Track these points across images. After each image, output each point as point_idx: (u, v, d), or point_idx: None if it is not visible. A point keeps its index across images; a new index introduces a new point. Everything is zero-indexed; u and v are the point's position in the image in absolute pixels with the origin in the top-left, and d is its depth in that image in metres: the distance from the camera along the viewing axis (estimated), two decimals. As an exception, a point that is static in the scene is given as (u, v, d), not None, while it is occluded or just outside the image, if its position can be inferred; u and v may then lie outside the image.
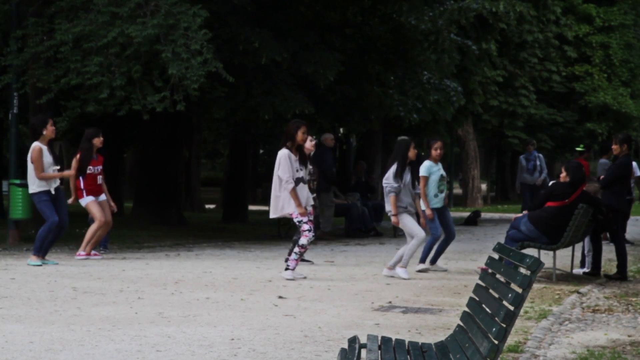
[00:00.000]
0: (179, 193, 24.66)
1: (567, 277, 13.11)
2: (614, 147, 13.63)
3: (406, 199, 12.68)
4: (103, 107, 16.98)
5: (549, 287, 11.97)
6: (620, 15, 42.24)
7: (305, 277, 12.35)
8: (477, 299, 5.32)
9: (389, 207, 12.66)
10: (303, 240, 12.19)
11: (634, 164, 16.69)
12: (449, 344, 5.32)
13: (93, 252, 15.07)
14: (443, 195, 13.75)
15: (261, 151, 46.35)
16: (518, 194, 27.22)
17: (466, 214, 29.83)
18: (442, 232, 13.61)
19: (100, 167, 14.99)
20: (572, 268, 13.64)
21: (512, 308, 4.46)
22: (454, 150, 43.71)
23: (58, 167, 13.95)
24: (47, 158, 13.77)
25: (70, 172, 14.55)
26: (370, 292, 11.02)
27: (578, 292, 11.27)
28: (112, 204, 15.37)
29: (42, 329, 7.94)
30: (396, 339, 5.42)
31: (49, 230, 13.76)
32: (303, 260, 14.37)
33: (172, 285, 11.30)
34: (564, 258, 14.64)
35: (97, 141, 14.98)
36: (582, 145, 19.87)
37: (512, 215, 14.49)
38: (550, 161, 55.06)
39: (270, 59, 18.67)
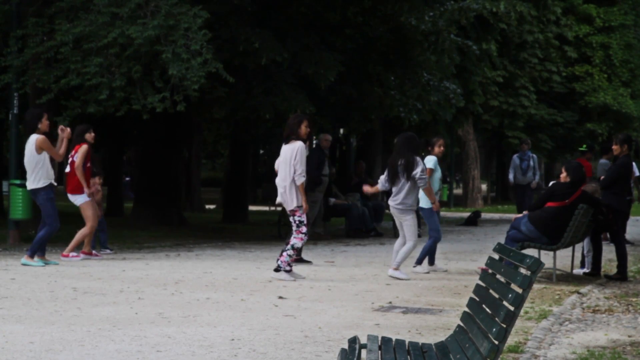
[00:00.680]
0: (179, 193, 24.66)
1: (567, 278, 13.11)
2: (614, 147, 13.63)
3: (416, 197, 12.69)
4: (103, 108, 16.98)
5: (549, 287, 11.97)
6: (620, 15, 42.23)
7: (304, 278, 12.35)
8: (478, 299, 5.32)
9: (402, 199, 12.52)
10: (298, 243, 12.16)
11: (634, 164, 16.68)
12: (449, 344, 5.32)
13: (94, 251, 15.07)
14: (439, 192, 13.77)
15: (261, 151, 46.37)
16: (511, 187, 26.96)
17: (466, 214, 29.83)
18: (441, 234, 13.61)
19: (88, 165, 14.89)
20: (572, 268, 13.64)
21: (512, 308, 4.46)
22: (454, 151, 43.69)
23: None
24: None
25: (88, 192, 14.47)
26: (371, 293, 11.02)
27: (578, 293, 11.27)
28: (96, 180, 15.32)
29: (42, 329, 7.94)
30: (396, 339, 5.42)
31: (49, 237, 13.72)
32: (302, 260, 14.37)
33: (173, 286, 11.30)
34: (564, 258, 14.64)
35: (89, 137, 14.80)
36: (584, 146, 19.83)
37: (512, 216, 14.50)
38: (551, 161, 55.08)
39: (271, 59, 18.67)
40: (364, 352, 5.02)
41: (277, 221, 21.44)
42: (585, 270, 13.67)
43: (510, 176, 23.54)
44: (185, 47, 16.26)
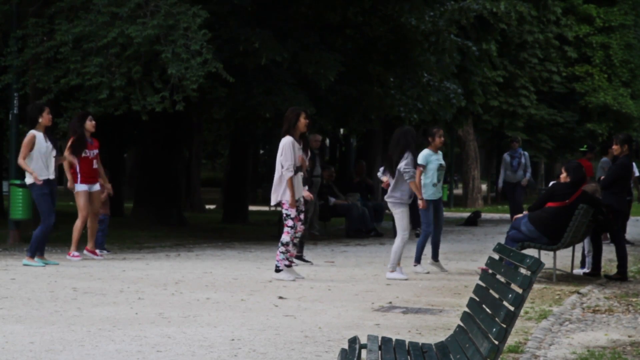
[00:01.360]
0: (179, 193, 24.66)
1: (567, 278, 13.11)
2: (614, 147, 13.63)
3: (409, 190, 12.71)
4: (103, 108, 16.97)
5: (549, 287, 11.97)
6: (620, 15, 42.24)
7: (303, 278, 12.34)
8: (478, 299, 5.32)
9: (391, 192, 12.58)
10: (285, 238, 12.14)
11: (634, 164, 16.67)
12: (449, 345, 5.32)
13: (98, 251, 15.05)
14: (440, 184, 13.67)
15: (261, 151, 46.35)
16: (500, 193, 26.24)
17: (466, 214, 29.83)
18: (432, 228, 13.50)
19: (96, 152, 14.71)
20: (572, 268, 13.64)
21: (512, 308, 4.46)
22: (454, 151, 43.70)
23: (55, 155, 13.77)
24: (42, 146, 13.54)
25: (63, 159, 14.27)
26: (371, 293, 11.02)
27: (578, 293, 11.27)
28: (108, 185, 15.22)
29: (42, 330, 7.93)
30: (396, 340, 5.42)
31: (44, 234, 13.65)
32: (302, 260, 14.37)
33: (173, 286, 11.30)
34: (564, 258, 14.64)
35: (90, 125, 14.65)
36: (585, 146, 19.77)
37: (519, 210, 14.49)
38: (551, 161, 55.08)
39: (271, 59, 18.68)
40: (364, 352, 5.02)
41: (277, 221, 21.43)
42: (586, 270, 13.67)
43: (500, 180, 22.86)
44: (184, 47, 16.26)
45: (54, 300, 9.81)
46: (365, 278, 12.71)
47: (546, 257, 13.21)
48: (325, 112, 22.18)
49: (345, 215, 21.73)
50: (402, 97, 23.55)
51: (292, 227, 12.12)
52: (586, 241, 13.65)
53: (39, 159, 13.54)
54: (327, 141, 38.20)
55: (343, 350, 5.18)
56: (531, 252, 12.97)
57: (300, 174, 12.33)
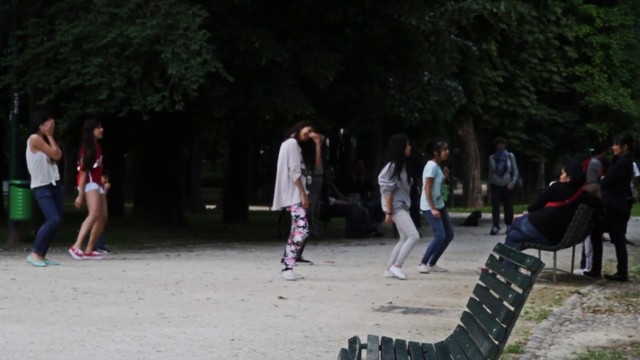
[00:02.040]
0: (179, 193, 24.67)
1: (567, 278, 13.11)
2: (614, 147, 13.63)
3: (403, 195, 12.72)
4: (103, 109, 16.98)
5: (549, 287, 11.97)
6: (620, 15, 42.25)
7: (303, 278, 12.34)
8: (478, 299, 5.32)
9: (384, 204, 12.71)
10: (297, 238, 12.17)
11: (634, 164, 16.67)
12: (449, 345, 5.32)
13: (95, 252, 15.06)
14: (442, 196, 13.78)
15: (261, 152, 46.37)
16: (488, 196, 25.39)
17: (466, 215, 29.82)
18: (444, 234, 13.60)
19: (101, 158, 14.85)
20: (572, 268, 13.64)
21: (512, 308, 4.46)
22: (454, 151, 43.70)
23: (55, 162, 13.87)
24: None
25: (79, 202, 14.58)
26: (371, 293, 11.02)
27: (578, 293, 11.27)
28: (106, 181, 15.40)
29: (42, 330, 7.93)
30: (397, 340, 5.42)
31: (50, 230, 13.73)
32: (302, 260, 14.38)
33: (173, 286, 11.30)
34: (565, 258, 14.64)
35: (97, 132, 14.73)
36: (595, 147, 19.57)
37: (513, 216, 14.50)
38: (551, 161, 55.07)
39: (271, 59, 18.67)
40: (364, 352, 5.02)
41: (277, 221, 21.45)
42: (586, 270, 13.67)
43: (489, 185, 22.11)
44: (184, 46, 16.26)
45: (54, 300, 9.81)
46: (366, 278, 12.71)
47: (546, 257, 13.21)
48: (325, 112, 22.19)
49: (345, 215, 21.73)
50: (402, 97, 23.56)
51: (304, 227, 12.16)
52: (586, 241, 13.65)
53: (44, 163, 13.65)
54: (327, 141, 38.18)
55: (343, 350, 5.18)
56: (531, 252, 12.96)
57: (303, 176, 12.37)
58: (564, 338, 8.12)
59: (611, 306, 10.25)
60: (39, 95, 17.45)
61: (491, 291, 5.12)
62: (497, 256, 5.67)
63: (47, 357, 6.80)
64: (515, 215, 13.57)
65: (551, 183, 14.59)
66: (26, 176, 14.27)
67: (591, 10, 42.07)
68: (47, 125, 13.77)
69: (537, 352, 7.35)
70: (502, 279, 5.06)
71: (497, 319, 4.54)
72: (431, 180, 13.43)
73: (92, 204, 14.62)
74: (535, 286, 11.77)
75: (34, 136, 13.72)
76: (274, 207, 12.49)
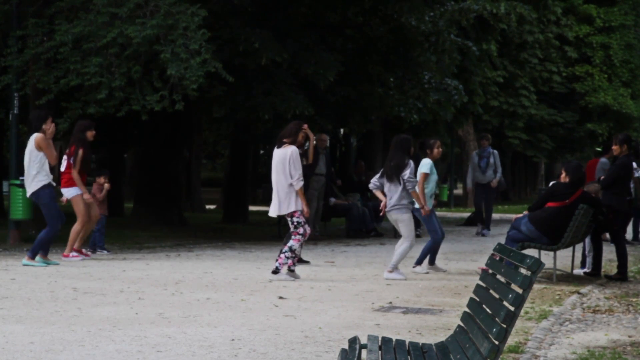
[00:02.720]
0: (179, 193, 24.66)
1: (567, 278, 13.11)
2: (614, 147, 13.62)
3: (411, 195, 12.73)
4: (103, 109, 16.97)
5: (549, 287, 11.97)
6: (620, 15, 42.26)
7: (299, 278, 12.34)
8: (478, 299, 5.32)
9: (395, 201, 12.56)
10: (295, 244, 12.17)
11: (634, 164, 16.66)
12: (449, 345, 5.32)
13: (91, 251, 15.05)
14: (433, 198, 13.75)
15: (262, 152, 46.35)
16: (471, 194, 24.87)
17: (466, 214, 29.82)
18: (440, 233, 13.57)
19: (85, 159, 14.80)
20: (572, 268, 13.64)
21: (512, 308, 4.46)
22: (454, 151, 43.73)
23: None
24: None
25: (88, 197, 14.44)
26: (371, 293, 11.02)
27: (578, 293, 11.27)
28: (106, 181, 15.41)
29: (42, 330, 7.93)
30: (397, 340, 5.42)
31: (51, 237, 13.69)
32: (301, 261, 14.37)
33: (173, 286, 11.30)
34: (565, 258, 14.64)
35: (90, 134, 14.71)
36: (601, 147, 19.55)
37: (513, 216, 14.49)
38: (551, 161, 55.07)
39: (270, 59, 18.67)
40: (364, 353, 5.02)
41: (277, 221, 21.42)
42: (586, 270, 13.67)
43: (468, 180, 21.68)
44: (184, 46, 16.26)
45: (54, 300, 9.81)
46: (366, 278, 12.71)
47: (546, 257, 13.21)
48: (325, 112, 22.20)
49: (345, 215, 21.73)
50: (402, 97, 23.56)
51: (302, 235, 12.16)
52: (586, 241, 13.65)
53: (45, 162, 13.64)
54: (327, 142, 38.18)
55: (343, 350, 5.18)
56: (531, 252, 12.96)
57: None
58: (564, 338, 8.12)
59: (611, 306, 10.25)
60: (38, 95, 17.45)
61: (491, 291, 5.12)
62: (497, 256, 5.67)
63: (47, 357, 6.80)
64: (515, 216, 13.55)
65: (551, 183, 14.59)
66: (22, 174, 14.22)
67: (591, 10, 42.08)
68: (50, 127, 13.75)
69: (537, 352, 7.35)
70: (502, 279, 5.06)
71: (497, 319, 4.54)
72: (426, 176, 13.40)
73: (79, 209, 14.47)
74: (535, 286, 11.77)
75: (39, 135, 13.67)
76: (273, 214, 12.46)
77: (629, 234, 18.35)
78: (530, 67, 40.68)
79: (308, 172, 18.58)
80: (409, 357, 5.08)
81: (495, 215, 34.01)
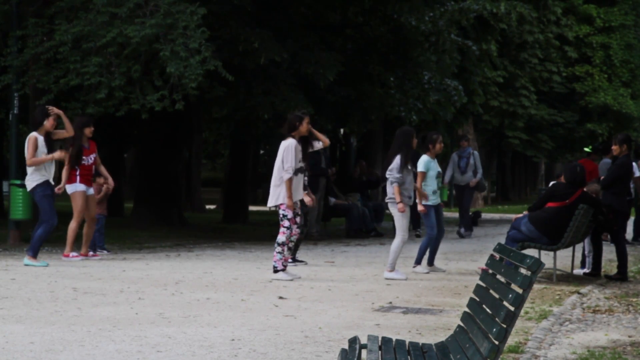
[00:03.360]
0: (179, 193, 24.66)
1: (567, 278, 13.11)
2: (613, 147, 13.62)
3: (409, 190, 12.68)
4: (103, 108, 16.97)
5: (549, 287, 11.97)
6: (620, 15, 42.27)
7: (300, 277, 12.34)
8: (478, 299, 5.32)
9: (390, 194, 12.55)
10: (281, 238, 12.17)
11: (634, 164, 16.66)
12: (449, 345, 5.32)
13: (91, 252, 15.03)
14: (439, 190, 13.70)
15: (262, 151, 46.35)
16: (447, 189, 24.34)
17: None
18: (435, 231, 13.51)
19: (93, 155, 14.64)
20: (572, 268, 13.64)
21: (512, 308, 4.46)
22: (454, 151, 43.72)
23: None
24: (43, 149, 13.62)
25: (60, 154, 13.91)
26: (371, 293, 11.02)
27: (578, 293, 11.27)
28: (110, 180, 15.18)
29: (42, 330, 7.93)
30: (397, 340, 5.42)
31: (48, 233, 13.68)
32: (297, 261, 14.37)
33: (173, 286, 11.30)
34: (565, 258, 14.64)
35: (88, 131, 14.62)
36: (590, 147, 19.55)
37: (513, 216, 14.49)
38: (551, 161, 55.06)
39: (270, 59, 18.67)
40: (364, 353, 5.02)
41: (277, 222, 21.42)
42: (586, 270, 13.67)
43: (446, 177, 21.29)
44: (183, 45, 16.26)
45: (54, 300, 9.81)
46: (365, 278, 12.71)
47: (546, 257, 13.21)
48: (325, 112, 22.20)
49: (345, 215, 21.73)
50: (402, 97, 23.56)
51: (288, 228, 12.15)
52: (586, 241, 13.65)
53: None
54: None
55: (343, 350, 5.18)
56: (531, 252, 12.96)
57: (301, 176, 12.35)
58: (564, 338, 8.12)
59: (611, 306, 10.25)
60: (38, 95, 17.45)
61: (491, 291, 5.12)
62: (497, 256, 5.67)
63: (47, 357, 6.80)
64: (515, 216, 13.55)
65: (551, 183, 14.59)
66: (24, 176, 14.20)
67: (591, 10, 42.08)
68: (50, 121, 13.74)
69: (537, 352, 7.35)
70: (502, 279, 5.06)
71: (497, 319, 4.54)
72: (423, 174, 13.38)
73: (77, 206, 14.40)
74: (535, 286, 11.77)
75: (30, 136, 13.68)
76: (269, 204, 12.47)
77: (629, 234, 18.35)
78: (530, 67, 40.68)
79: (318, 172, 18.61)
80: (409, 357, 5.08)
81: (495, 215, 34.06)
